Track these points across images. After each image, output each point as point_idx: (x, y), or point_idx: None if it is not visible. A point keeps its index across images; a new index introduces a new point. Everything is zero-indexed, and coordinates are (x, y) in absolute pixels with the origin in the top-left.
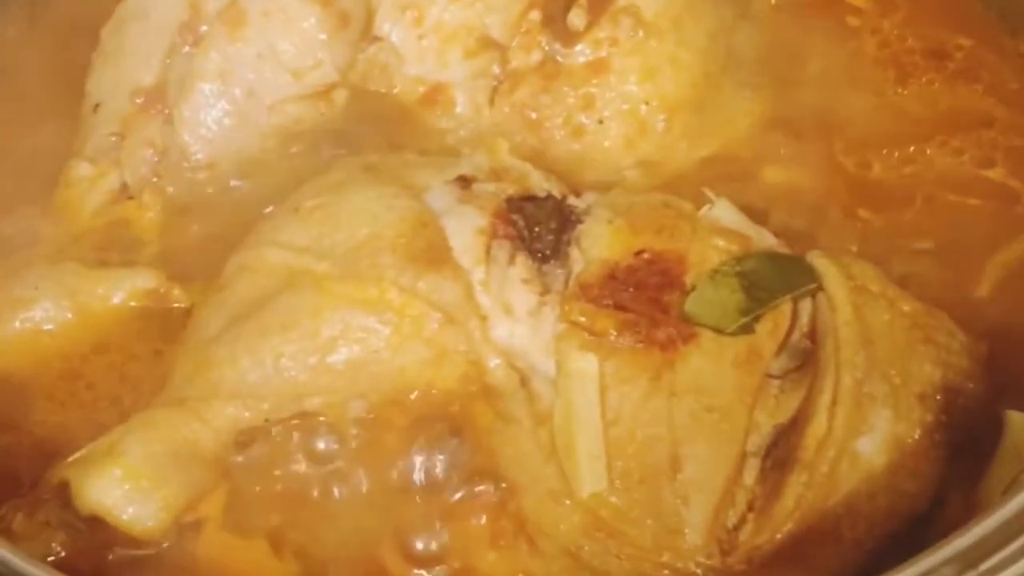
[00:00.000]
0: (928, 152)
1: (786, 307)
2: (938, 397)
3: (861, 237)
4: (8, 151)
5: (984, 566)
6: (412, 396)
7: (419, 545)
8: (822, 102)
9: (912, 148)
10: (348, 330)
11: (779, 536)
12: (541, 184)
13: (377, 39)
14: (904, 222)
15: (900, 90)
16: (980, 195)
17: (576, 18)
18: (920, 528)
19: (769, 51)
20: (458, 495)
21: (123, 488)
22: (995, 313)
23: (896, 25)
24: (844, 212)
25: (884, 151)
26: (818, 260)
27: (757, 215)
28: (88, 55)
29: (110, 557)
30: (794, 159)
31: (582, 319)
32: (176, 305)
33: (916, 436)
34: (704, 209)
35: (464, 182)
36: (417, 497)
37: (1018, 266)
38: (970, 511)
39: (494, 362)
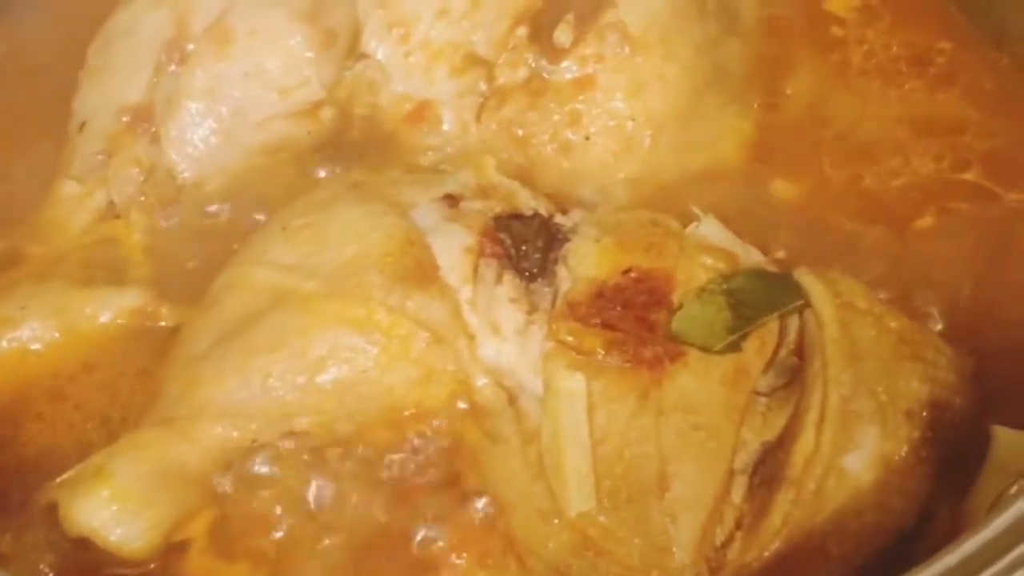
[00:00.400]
0: (913, 162)
1: (773, 325)
2: (925, 413)
3: (850, 252)
4: None
5: None
6: (401, 415)
7: (407, 564)
8: (810, 115)
9: (898, 158)
10: (336, 350)
11: (767, 554)
12: (528, 202)
13: (364, 56)
14: (893, 235)
15: (883, 99)
16: (963, 203)
17: (562, 35)
18: (908, 544)
19: (756, 65)
20: (446, 514)
21: (111, 509)
22: (982, 328)
23: (881, 34)
24: (833, 226)
25: (872, 162)
26: (805, 277)
27: (744, 232)
28: (75, 74)
29: None
30: (783, 174)
31: (569, 338)
32: (163, 324)
33: (903, 453)
34: (691, 227)
35: (451, 200)
36: (405, 516)
37: (1004, 280)
38: (957, 526)
39: (482, 381)
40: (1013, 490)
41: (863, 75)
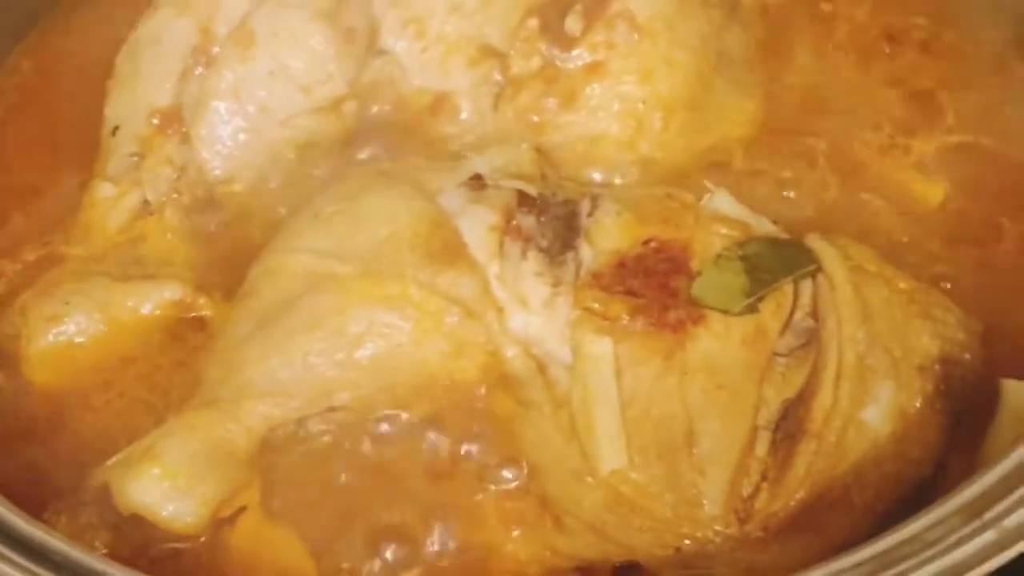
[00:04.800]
0: (908, 132)
1: (788, 288)
2: (937, 368)
3: (854, 222)
4: (25, 182)
5: (988, 515)
6: (435, 387)
7: (447, 528)
8: (809, 95)
9: (889, 132)
10: (372, 326)
11: (792, 503)
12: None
13: (382, 52)
14: (892, 206)
15: (868, 75)
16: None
17: (573, 24)
18: (926, 493)
19: (757, 49)
20: (483, 479)
21: (162, 487)
22: (992, 288)
23: (865, 11)
24: (838, 199)
25: (868, 138)
26: (816, 243)
27: (755, 206)
28: (98, 88)
29: (151, 552)
30: (787, 151)
31: (595, 305)
32: (200, 314)
33: (918, 405)
34: (705, 199)
35: (476, 182)
36: (444, 482)
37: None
38: (971, 474)
39: (512, 351)
40: None
41: (846, 51)
